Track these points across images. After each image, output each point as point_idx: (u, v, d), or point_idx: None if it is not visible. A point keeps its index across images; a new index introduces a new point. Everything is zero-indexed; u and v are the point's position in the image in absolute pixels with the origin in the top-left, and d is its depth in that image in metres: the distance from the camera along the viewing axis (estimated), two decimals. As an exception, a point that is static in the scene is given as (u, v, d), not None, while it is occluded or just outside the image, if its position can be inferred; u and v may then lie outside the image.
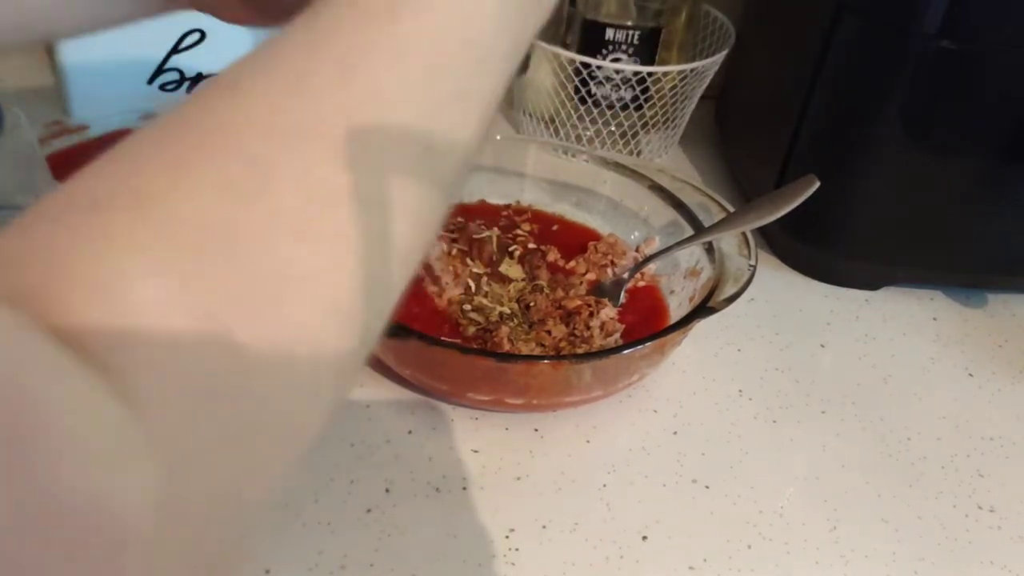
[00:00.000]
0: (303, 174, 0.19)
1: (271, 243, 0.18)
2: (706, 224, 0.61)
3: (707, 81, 0.76)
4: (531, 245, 0.65)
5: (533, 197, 0.69)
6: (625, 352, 0.50)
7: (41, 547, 0.13)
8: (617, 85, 0.73)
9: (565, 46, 0.76)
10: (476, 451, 0.51)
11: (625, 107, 0.76)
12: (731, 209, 0.61)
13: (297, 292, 0.18)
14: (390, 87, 0.20)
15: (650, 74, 0.72)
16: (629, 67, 0.71)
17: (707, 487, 0.51)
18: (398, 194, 0.20)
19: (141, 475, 0.15)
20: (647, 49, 0.75)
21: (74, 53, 0.71)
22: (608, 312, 0.58)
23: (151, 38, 0.73)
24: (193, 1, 0.41)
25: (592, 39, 0.74)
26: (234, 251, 0.18)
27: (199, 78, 0.76)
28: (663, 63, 0.78)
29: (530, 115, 0.81)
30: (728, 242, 0.58)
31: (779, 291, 0.68)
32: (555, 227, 0.68)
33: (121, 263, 0.16)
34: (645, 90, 0.73)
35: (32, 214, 0.17)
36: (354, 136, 0.19)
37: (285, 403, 0.19)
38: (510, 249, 0.64)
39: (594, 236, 0.67)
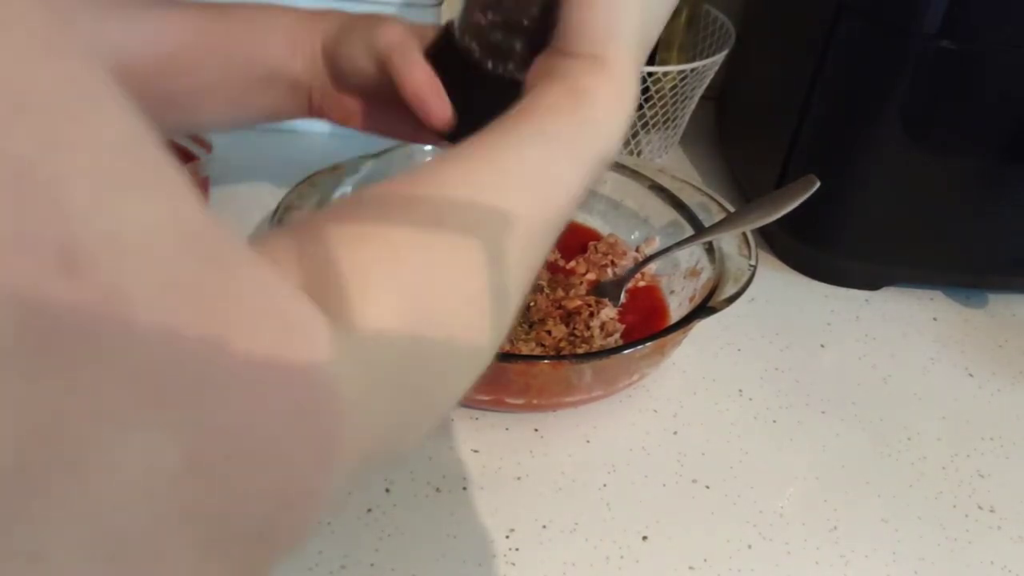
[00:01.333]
0: (479, 245, 0.29)
1: (455, 280, 0.29)
2: (706, 224, 0.61)
3: (707, 81, 0.76)
4: (531, 245, 0.65)
5: (533, 197, 0.69)
6: (625, 352, 0.50)
7: (297, 422, 0.21)
8: (617, 85, 0.73)
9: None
10: (476, 451, 0.51)
11: (625, 107, 0.75)
12: (731, 209, 0.61)
13: (464, 307, 0.29)
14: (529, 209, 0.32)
15: (650, 74, 0.72)
16: (629, 67, 0.71)
17: (707, 487, 0.51)
18: (512, 259, 0.31)
19: (357, 393, 0.24)
20: (647, 49, 0.75)
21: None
22: (608, 312, 0.58)
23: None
24: (322, 111, 0.52)
25: (592, 39, 0.74)
26: (433, 285, 0.28)
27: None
28: (663, 63, 0.78)
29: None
30: (728, 242, 0.58)
31: (779, 291, 0.68)
32: (555, 227, 0.68)
33: (363, 276, 0.26)
34: (645, 90, 0.73)
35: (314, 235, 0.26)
36: (498, 228, 0.31)
37: (450, 372, 0.29)
38: (510, 249, 0.64)
39: (594, 236, 0.67)
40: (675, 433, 0.54)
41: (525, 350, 0.55)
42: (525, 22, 0.42)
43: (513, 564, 0.45)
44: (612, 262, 0.64)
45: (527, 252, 0.32)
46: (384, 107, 0.50)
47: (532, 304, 0.59)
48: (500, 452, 0.51)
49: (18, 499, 0.15)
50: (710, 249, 0.59)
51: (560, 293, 0.61)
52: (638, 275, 0.63)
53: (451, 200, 0.30)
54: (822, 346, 0.63)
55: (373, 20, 0.48)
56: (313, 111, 0.51)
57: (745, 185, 0.77)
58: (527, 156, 0.34)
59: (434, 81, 0.45)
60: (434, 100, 0.45)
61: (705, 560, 0.46)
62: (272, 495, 0.21)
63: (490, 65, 0.44)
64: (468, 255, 0.29)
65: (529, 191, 0.33)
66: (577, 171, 0.35)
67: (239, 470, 0.20)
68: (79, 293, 0.15)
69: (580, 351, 0.55)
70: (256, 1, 0.50)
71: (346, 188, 0.61)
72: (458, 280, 0.29)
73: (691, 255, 0.61)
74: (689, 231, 0.62)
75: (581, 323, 0.57)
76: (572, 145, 0.35)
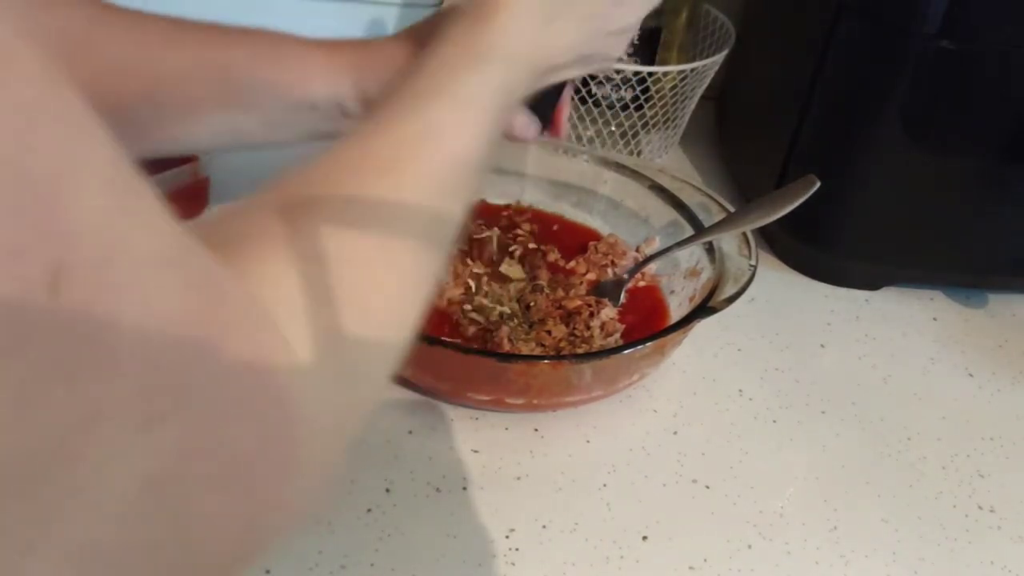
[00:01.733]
0: (378, 232, 0.30)
1: (367, 270, 0.29)
2: (706, 224, 0.61)
3: (707, 81, 0.76)
4: (531, 245, 0.65)
5: (533, 197, 0.69)
6: (625, 352, 0.50)
7: (253, 419, 0.22)
8: (617, 85, 0.73)
9: (565, 46, 0.76)
10: (476, 451, 0.51)
11: (625, 107, 0.76)
12: (731, 209, 0.61)
13: (381, 302, 0.29)
14: (410, 193, 0.31)
15: (650, 74, 0.72)
16: (629, 67, 0.71)
17: (707, 487, 0.51)
18: (420, 250, 0.31)
19: (306, 384, 0.24)
20: (647, 49, 0.75)
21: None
22: (608, 312, 0.58)
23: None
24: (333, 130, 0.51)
25: (592, 39, 0.74)
26: (343, 283, 0.27)
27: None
28: (663, 63, 0.78)
29: (530, 115, 0.81)
30: (728, 242, 0.58)
31: (779, 291, 0.67)
32: (555, 227, 0.68)
33: (282, 283, 0.26)
34: (645, 90, 0.73)
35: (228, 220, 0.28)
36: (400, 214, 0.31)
37: (376, 364, 0.30)
38: (510, 249, 0.64)
39: (594, 236, 0.67)
40: (675, 433, 0.54)
41: (525, 350, 0.55)
42: None
43: (513, 564, 0.45)
44: (612, 262, 0.64)
45: (441, 212, 0.32)
46: None
47: (532, 304, 0.59)
48: (500, 452, 0.51)
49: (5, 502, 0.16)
50: (710, 249, 0.59)
51: (560, 293, 0.61)
52: (638, 275, 0.63)
53: (358, 198, 0.30)
54: (822, 346, 0.63)
55: (398, 45, 0.48)
56: (331, 135, 0.51)
57: (745, 185, 0.77)
58: (414, 122, 0.33)
59: None
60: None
61: (705, 560, 0.46)
62: (240, 510, 0.21)
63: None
64: (391, 251, 0.30)
65: (429, 150, 0.32)
66: (480, 114, 0.35)
67: (204, 488, 0.20)
68: (62, 309, 0.16)
69: (580, 351, 0.55)
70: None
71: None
72: (383, 277, 0.29)
73: (691, 255, 0.61)
74: (689, 231, 0.62)
75: (581, 323, 0.57)
76: (462, 94, 0.35)
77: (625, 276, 0.62)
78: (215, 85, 0.46)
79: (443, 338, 0.55)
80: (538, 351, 0.55)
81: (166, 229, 0.19)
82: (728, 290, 0.54)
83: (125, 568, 0.19)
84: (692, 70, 0.72)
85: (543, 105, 0.48)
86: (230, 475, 0.21)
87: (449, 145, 0.33)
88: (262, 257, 0.26)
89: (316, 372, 0.25)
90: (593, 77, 0.73)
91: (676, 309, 0.60)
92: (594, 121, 0.77)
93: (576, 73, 0.45)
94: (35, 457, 0.16)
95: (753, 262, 0.56)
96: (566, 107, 0.51)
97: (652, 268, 0.64)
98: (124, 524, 0.18)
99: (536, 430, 0.53)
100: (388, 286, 0.30)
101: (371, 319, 0.28)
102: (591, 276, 0.63)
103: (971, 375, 0.62)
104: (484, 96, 0.36)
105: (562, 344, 0.56)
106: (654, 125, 0.77)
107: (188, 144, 0.50)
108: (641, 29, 0.73)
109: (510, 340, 0.55)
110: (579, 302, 0.59)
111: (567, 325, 0.58)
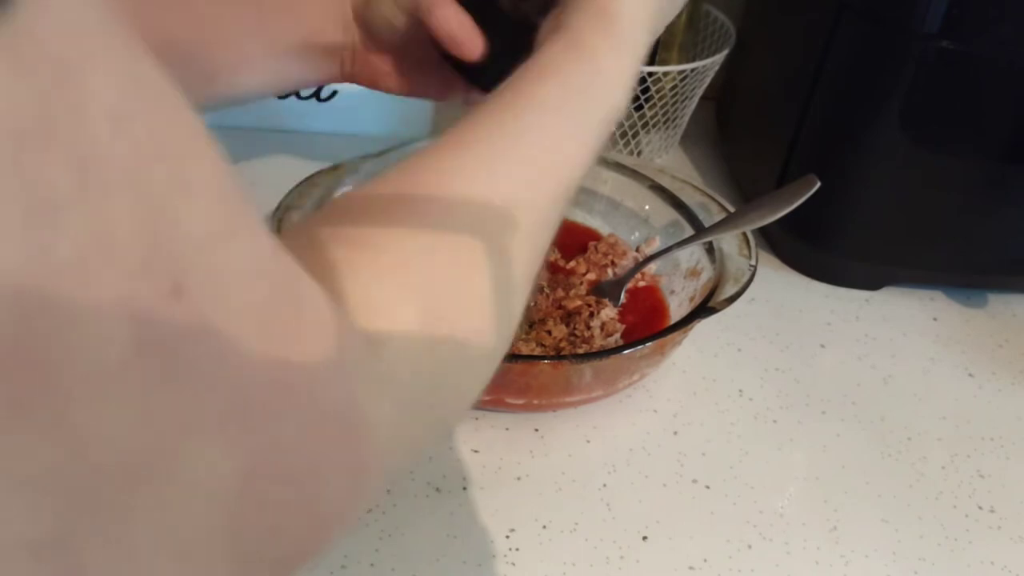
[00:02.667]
0: (474, 240, 0.29)
1: (463, 283, 0.28)
2: (706, 224, 0.61)
3: (707, 81, 0.76)
4: (531, 245, 0.65)
5: (533, 197, 0.69)
6: (625, 352, 0.50)
7: (332, 446, 0.22)
8: (617, 85, 0.73)
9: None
10: (476, 451, 0.51)
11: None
12: (731, 209, 0.61)
13: (474, 309, 0.29)
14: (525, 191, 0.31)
15: (650, 74, 0.72)
16: (629, 67, 0.71)
17: (707, 487, 0.51)
18: (518, 250, 0.31)
19: (385, 407, 0.25)
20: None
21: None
22: (608, 312, 0.58)
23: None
24: (354, 75, 0.53)
25: (592, 39, 0.74)
26: (444, 292, 0.28)
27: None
28: (663, 63, 0.78)
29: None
30: (728, 242, 0.58)
31: (779, 291, 0.68)
32: (555, 227, 0.68)
33: (378, 290, 0.26)
34: (645, 90, 0.73)
35: (311, 236, 0.27)
36: (500, 219, 0.30)
37: (464, 378, 0.30)
38: (510, 249, 0.64)
39: (594, 236, 0.67)
40: (675, 433, 0.54)
41: (525, 350, 0.55)
42: None
43: (513, 564, 0.45)
44: (612, 262, 0.64)
45: (534, 237, 0.32)
46: (415, 66, 0.51)
47: (532, 304, 0.59)
48: (500, 452, 0.51)
49: (115, 495, 0.17)
50: (710, 249, 0.59)
51: (560, 293, 0.60)
52: (638, 275, 0.63)
53: (450, 197, 0.29)
54: (822, 346, 0.63)
55: None
56: (344, 76, 0.52)
57: (745, 185, 0.77)
58: (526, 135, 0.33)
59: (464, 17, 0.46)
60: (465, 34, 0.45)
61: (705, 560, 0.46)
62: (307, 516, 0.22)
63: (518, 10, 0.45)
64: (472, 255, 0.29)
65: (530, 173, 0.32)
66: (581, 137, 0.34)
67: (285, 488, 0.21)
68: (182, 317, 0.17)
69: (580, 351, 0.55)
70: None
71: (346, 188, 0.61)
72: (465, 284, 0.29)
73: (691, 255, 0.61)
74: (689, 231, 0.62)
75: (581, 323, 0.57)
76: (573, 110, 0.34)
77: (625, 276, 0.62)
78: (250, 13, 0.48)
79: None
80: (538, 351, 0.55)
81: (264, 241, 0.20)
82: (728, 290, 0.54)
83: (209, 552, 0.20)
84: (692, 70, 0.72)
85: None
86: (299, 477, 0.22)
87: (559, 160, 0.33)
88: (334, 267, 0.26)
89: (385, 383, 0.25)
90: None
91: (676, 309, 0.60)
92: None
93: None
94: (145, 455, 0.17)
95: (753, 262, 0.56)
96: None
97: (652, 268, 0.64)
98: (212, 516, 0.20)
99: (536, 430, 0.53)
100: (467, 302, 0.29)
101: (446, 336, 0.28)
102: (591, 276, 0.63)
103: (971, 375, 0.62)
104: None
105: (562, 344, 0.56)
106: (654, 125, 0.77)
107: (230, 88, 0.50)
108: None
109: (510, 340, 0.55)
110: (579, 302, 0.59)
111: (567, 325, 0.58)
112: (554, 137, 0.33)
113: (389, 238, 0.27)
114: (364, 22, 0.49)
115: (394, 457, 0.26)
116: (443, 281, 0.28)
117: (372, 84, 0.52)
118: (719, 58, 0.73)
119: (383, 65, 0.51)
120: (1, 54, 0.13)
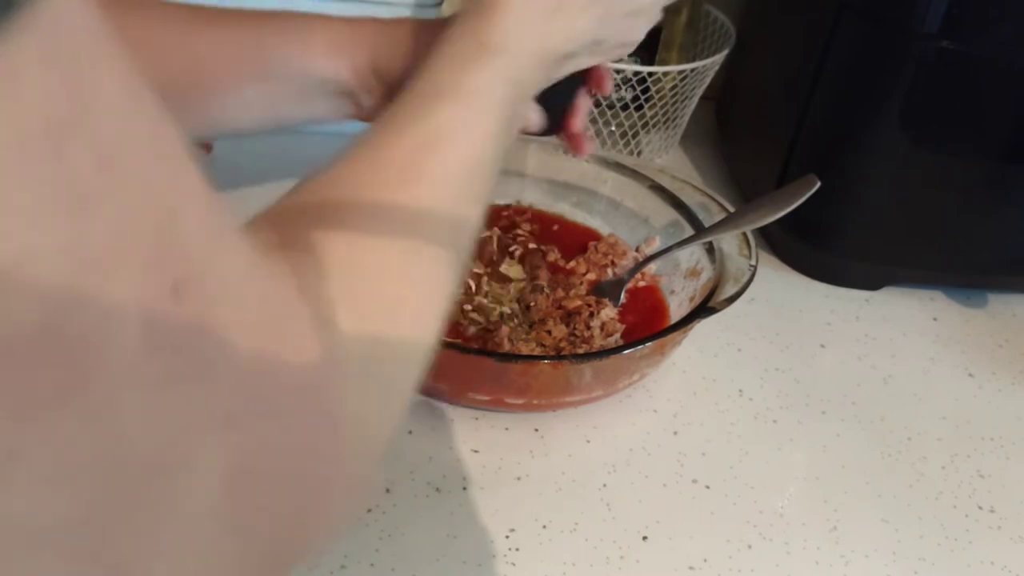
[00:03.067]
0: (402, 239, 0.30)
1: (391, 282, 0.29)
2: (706, 224, 0.61)
3: (707, 81, 0.76)
4: (531, 245, 0.65)
5: (533, 197, 0.69)
6: (625, 352, 0.50)
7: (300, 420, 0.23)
8: (617, 85, 0.73)
9: (565, 46, 0.76)
10: (476, 451, 0.51)
11: (625, 107, 0.76)
12: (731, 209, 0.61)
13: (415, 305, 0.30)
14: (426, 201, 0.32)
15: (650, 74, 0.72)
16: (629, 67, 0.71)
17: (707, 487, 0.51)
18: (441, 257, 0.32)
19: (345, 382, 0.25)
20: (647, 49, 0.75)
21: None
22: (608, 312, 0.58)
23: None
24: (373, 118, 0.48)
25: (592, 39, 0.74)
26: (370, 293, 0.28)
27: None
28: (663, 63, 0.78)
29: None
30: (728, 242, 0.58)
31: (779, 291, 0.68)
32: (555, 227, 0.68)
33: (325, 295, 0.26)
34: (645, 90, 0.73)
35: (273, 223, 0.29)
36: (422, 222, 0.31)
37: (404, 371, 0.31)
38: (510, 249, 0.64)
39: (594, 236, 0.67)
40: (675, 433, 0.54)
41: (525, 350, 0.55)
42: None
43: (513, 564, 0.45)
44: (612, 262, 0.64)
45: (459, 217, 0.33)
46: None
47: (532, 304, 0.59)
48: (500, 452, 0.51)
49: (137, 486, 0.18)
50: (710, 249, 0.59)
51: (560, 293, 0.60)
52: (638, 275, 0.63)
53: (374, 201, 0.30)
54: (822, 346, 0.63)
55: (420, 28, 0.47)
56: (362, 117, 0.51)
57: (745, 185, 0.77)
58: (424, 126, 0.33)
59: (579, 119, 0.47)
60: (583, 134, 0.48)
61: (705, 560, 0.46)
62: (292, 510, 0.23)
63: None
64: (403, 252, 0.30)
65: (443, 153, 0.33)
66: (491, 111, 0.35)
67: (272, 483, 0.22)
68: (183, 317, 0.18)
69: (580, 351, 0.55)
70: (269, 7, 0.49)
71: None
72: (407, 287, 0.30)
73: (691, 255, 0.61)
74: (689, 231, 0.62)
75: (581, 323, 0.57)
76: (471, 91, 0.35)
77: (625, 276, 0.62)
78: (251, 55, 0.47)
79: (443, 338, 0.55)
80: (538, 351, 0.55)
81: (242, 247, 0.21)
82: (728, 290, 0.54)
83: (212, 549, 0.21)
84: (692, 70, 0.72)
85: (555, 100, 0.47)
86: (289, 470, 0.22)
87: (461, 147, 0.33)
88: (298, 270, 0.27)
89: (356, 378, 0.26)
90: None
91: (676, 309, 0.60)
92: (594, 121, 0.77)
93: (591, 61, 0.45)
94: (153, 452, 0.18)
95: (753, 262, 0.56)
96: (582, 111, 0.50)
97: (652, 268, 0.64)
98: (213, 514, 0.20)
99: (536, 430, 0.53)
100: (411, 296, 0.30)
101: (398, 328, 0.29)
102: (591, 276, 0.63)
103: (971, 375, 0.62)
104: (493, 92, 0.35)
105: (562, 344, 0.56)
106: (654, 125, 0.77)
107: (228, 124, 0.50)
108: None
109: (510, 340, 0.55)
110: (579, 302, 0.59)
111: (567, 325, 0.58)
112: (460, 119, 0.34)
113: (326, 241, 0.28)
114: (387, 76, 0.48)
115: (364, 450, 0.27)
116: (381, 279, 0.29)
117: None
118: (719, 58, 0.73)
119: None
120: (32, 47, 0.14)
